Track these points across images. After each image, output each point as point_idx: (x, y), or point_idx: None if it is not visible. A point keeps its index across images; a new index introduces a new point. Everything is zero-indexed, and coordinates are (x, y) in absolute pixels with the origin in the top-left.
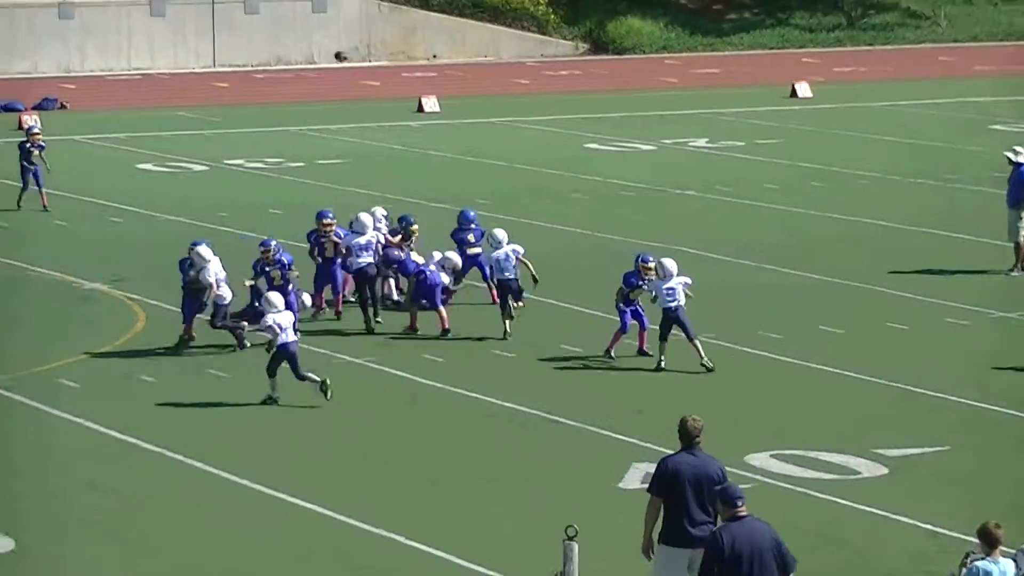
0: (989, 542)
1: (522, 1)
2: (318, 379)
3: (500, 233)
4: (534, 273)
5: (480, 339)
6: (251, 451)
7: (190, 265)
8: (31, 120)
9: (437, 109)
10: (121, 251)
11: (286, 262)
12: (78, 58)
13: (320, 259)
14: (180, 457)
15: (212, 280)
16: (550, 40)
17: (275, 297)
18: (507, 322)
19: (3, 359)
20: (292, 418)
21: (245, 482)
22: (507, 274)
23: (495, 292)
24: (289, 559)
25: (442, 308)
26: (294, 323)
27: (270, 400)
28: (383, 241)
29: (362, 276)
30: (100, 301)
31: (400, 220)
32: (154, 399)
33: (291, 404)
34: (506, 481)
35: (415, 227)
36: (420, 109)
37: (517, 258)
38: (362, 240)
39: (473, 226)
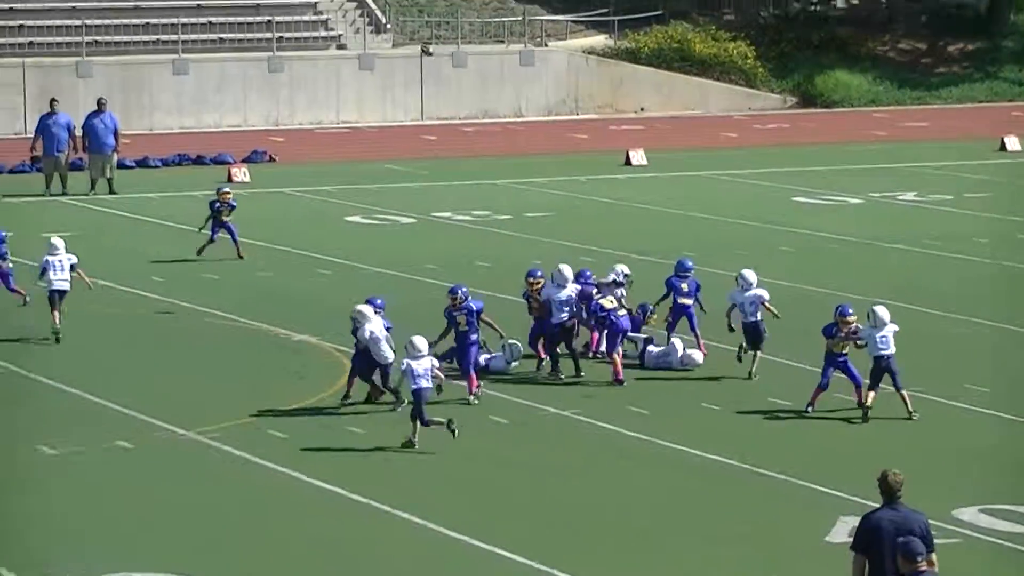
0: None
1: (730, 55)
2: (443, 420)
3: (750, 275)
4: (775, 312)
5: (679, 380)
6: (456, 503)
7: (355, 322)
8: (241, 173)
9: (644, 162)
10: (329, 303)
11: (474, 308)
12: (287, 111)
13: (532, 315)
14: (386, 508)
15: (366, 339)
16: (758, 93)
17: (419, 341)
18: (747, 356)
19: (211, 410)
20: (495, 471)
21: (453, 534)
22: (751, 317)
23: (701, 343)
24: None
25: (616, 356)
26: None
27: (409, 443)
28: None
29: (561, 330)
30: (309, 352)
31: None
32: (361, 449)
33: (494, 459)
34: (713, 534)
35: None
36: (627, 162)
37: (762, 303)
38: (562, 295)
39: (689, 276)
